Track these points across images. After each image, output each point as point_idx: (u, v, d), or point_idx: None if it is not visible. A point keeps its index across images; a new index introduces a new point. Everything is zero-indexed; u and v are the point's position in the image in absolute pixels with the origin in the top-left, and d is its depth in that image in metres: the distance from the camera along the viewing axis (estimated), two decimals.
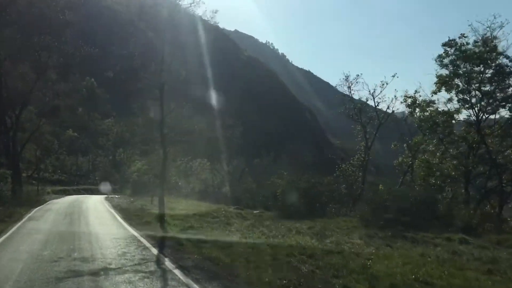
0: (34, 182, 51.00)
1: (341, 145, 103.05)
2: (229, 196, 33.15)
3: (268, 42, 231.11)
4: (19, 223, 15.26)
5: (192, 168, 39.99)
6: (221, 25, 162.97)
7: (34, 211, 20.41)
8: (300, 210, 20.14)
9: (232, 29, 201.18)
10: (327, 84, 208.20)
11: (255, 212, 22.64)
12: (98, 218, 18.28)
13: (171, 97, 21.25)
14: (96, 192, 48.67)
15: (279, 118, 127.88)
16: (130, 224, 15.70)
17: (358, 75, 30.93)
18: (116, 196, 37.46)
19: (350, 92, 30.74)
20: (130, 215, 19.16)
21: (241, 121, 70.18)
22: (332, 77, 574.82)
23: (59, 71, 29.22)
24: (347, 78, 30.67)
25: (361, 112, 30.73)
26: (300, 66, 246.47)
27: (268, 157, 73.86)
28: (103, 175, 66.88)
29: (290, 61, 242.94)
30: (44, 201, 26.52)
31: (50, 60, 26.94)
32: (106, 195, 38.66)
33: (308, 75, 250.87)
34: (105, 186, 54.93)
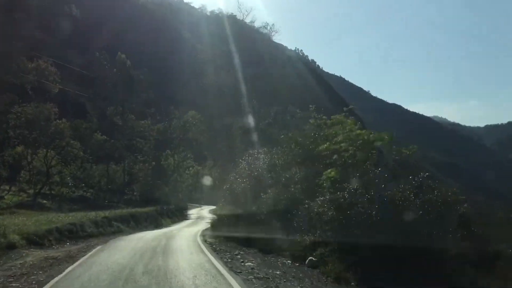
0: (44, 202, 34.64)
1: None
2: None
3: (298, 49, 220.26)
4: None
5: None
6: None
7: None
8: None
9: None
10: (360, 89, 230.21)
11: None
12: None
13: None
14: (143, 225, 27.89)
15: None
16: None
17: None
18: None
19: None
20: None
21: None
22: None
23: None
24: None
25: None
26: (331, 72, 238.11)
27: None
28: (145, 188, 47.11)
29: (321, 67, 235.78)
30: None
31: None
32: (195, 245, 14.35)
33: (340, 80, 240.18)
34: (155, 208, 34.60)
